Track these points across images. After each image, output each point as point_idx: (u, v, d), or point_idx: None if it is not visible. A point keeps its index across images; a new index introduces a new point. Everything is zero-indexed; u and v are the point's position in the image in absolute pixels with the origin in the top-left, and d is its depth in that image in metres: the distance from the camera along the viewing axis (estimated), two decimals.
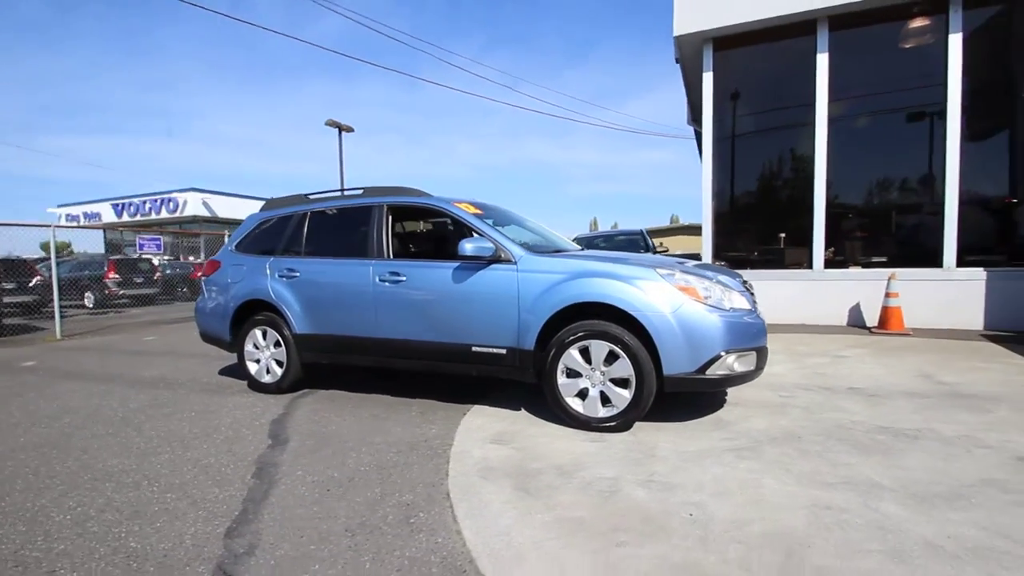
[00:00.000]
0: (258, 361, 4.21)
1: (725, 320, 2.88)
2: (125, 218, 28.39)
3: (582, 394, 3.10)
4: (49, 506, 2.35)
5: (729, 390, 3.77)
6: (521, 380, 3.31)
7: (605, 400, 3.04)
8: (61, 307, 11.31)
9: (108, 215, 28.99)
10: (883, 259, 6.63)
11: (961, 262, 6.08)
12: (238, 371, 5.05)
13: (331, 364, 4.04)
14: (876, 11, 6.33)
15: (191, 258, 22.52)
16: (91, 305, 13.68)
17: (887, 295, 6.04)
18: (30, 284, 11.07)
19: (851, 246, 6.86)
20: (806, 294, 6.70)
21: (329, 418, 3.51)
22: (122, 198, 28.94)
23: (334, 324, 3.83)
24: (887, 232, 6.70)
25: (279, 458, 2.84)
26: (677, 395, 3.42)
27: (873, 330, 6.16)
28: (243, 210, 28.77)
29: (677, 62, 10.58)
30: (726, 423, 3.15)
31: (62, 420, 3.67)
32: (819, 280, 6.65)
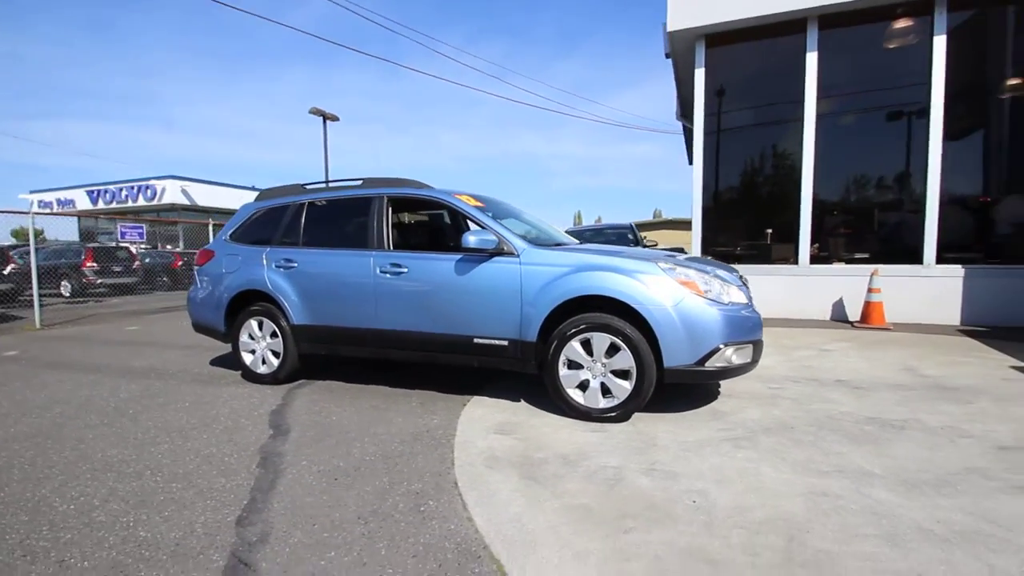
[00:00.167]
0: (253, 352, 4.18)
1: (724, 314, 2.96)
2: (100, 205, 27.61)
3: (583, 385, 3.15)
4: (51, 496, 2.33)
5: (722, 382, 3.86)
6: (523, 371, 3.35)
7: (605, 391, 3.10)
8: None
9: (83, 202, 28.17)
10: (865, 255, 6.82)
11: (940, 259, 6.28)
12: (230, 362, 5.01)
13: (326, 355, 4.03)
14: (864, 11, 6.46)
15: (168, 246, 22.10)
16: (68, 294, 13.33)
17: (869, 290, 6.22)
18: (4, 272, 10.73)
19: (835, 242, 7.04)
20: (791, 289, 6.86)
21: (329, 408, 3.51)
22: (97, 185, 28.13)
23: (333, 315, 3.82)
24: (870, 229, 6.88)
25: (282, 448, 2.84)
26: (673, 386, 3.49)
27: (856, 324, 6.34)
28: (224, 199, 28.25)
29: (667, 57, 10.64)
30: (722, 414, 3.24)
31: (53, 410, 3.60)
32: (804, 275, 6.82)
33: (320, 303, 3.87)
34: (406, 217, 4.70)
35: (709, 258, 4.13)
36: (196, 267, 4.53)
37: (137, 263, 14.65)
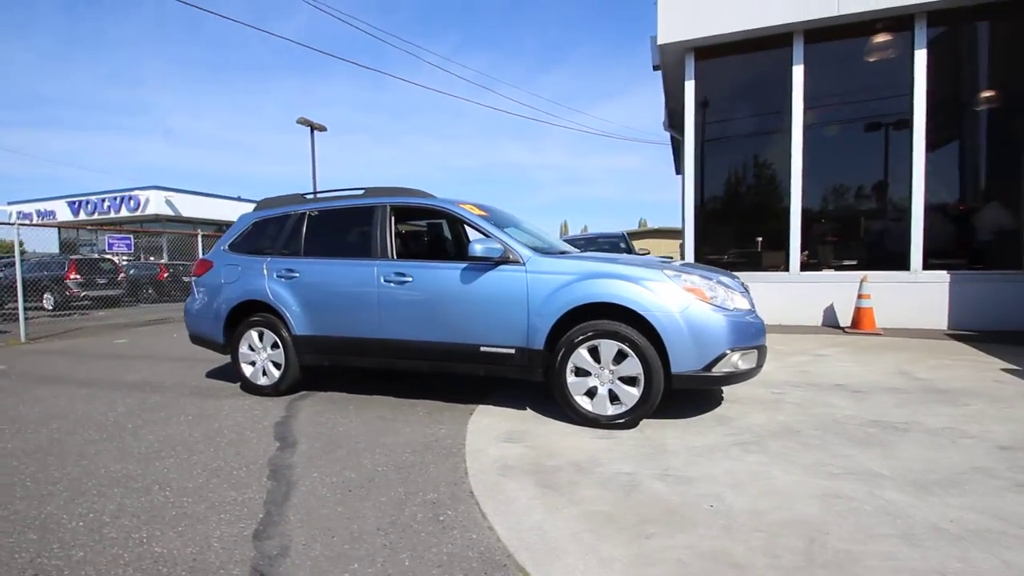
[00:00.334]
0: (253, 363, 4.13)
1: (729, 319, 3.00)
2: (82, 216, 27.08)
3: (590, 392, 3.17)
4: (58, 513, 2.27)
5: (725, 388, 3.91)
6: (529, 379, 3.36)
7: (613, 398, 3.12)
8: (15, 309, 10.77)
9: (63, 213, 27.60)
10: (854, 262, 6.96)
11: (927, 265, 6.44)
12: (227, 374, 4.95)
13: (323, 366, 4.00)
14: (847, 26, 6.65)
15: (151, 258, 21.73)
16: (50, 307, 13.03)
17: (859, 296, 6.35)
18: None
19: (824, 250, 7.18)
20: (783, 295, 6.97)
21: (335, 420, 3.48)
22: (79, 196, 27.61)
23: (337, 325, 3.80)
24: (858, 236, 7.04)
25: (291, 460, 2.81)
26: (677, 392, 3.52)
27: (847, 330, 6.46)
28: (209, 209, 27.92)
29: (655, 69, 10.83)
30: (728, 419, 3.28)
31: (50, 425, 3.52)
32: (795, 282, 6.93)
33: (323, 313, 3.84)
34: (408, 226, 4.71)
35: (708, 265, 4.19)
36: (193, 278, 4.47)
37: (122, 275, 14.40)
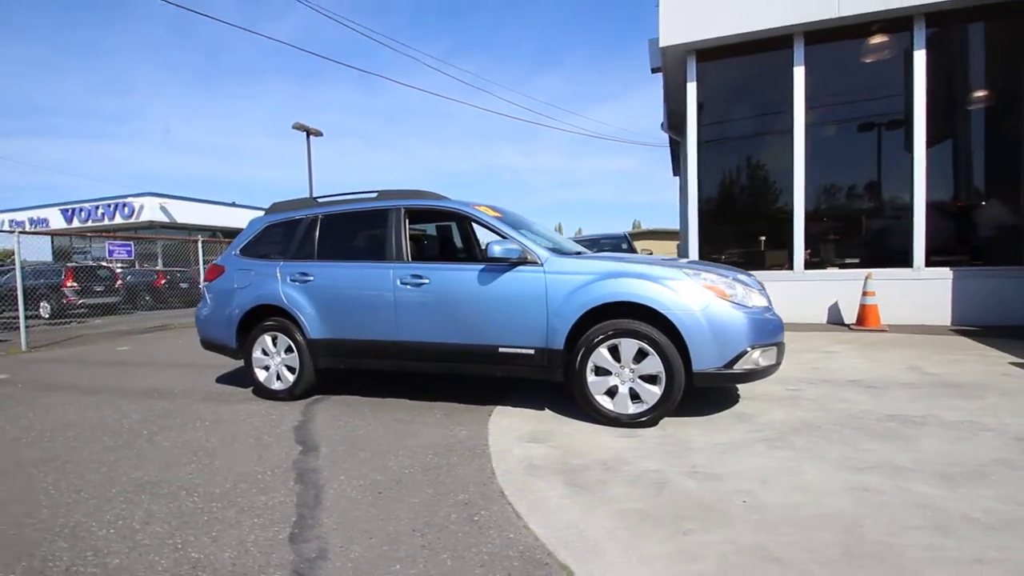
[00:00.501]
0: (267, 368, 4.11)
1: (749, 317, 3.02)
2: (75, 224, 26.82)
3: (611, 392, 3.18)
4: (86, 521, 2.25)
5: (741, 385, 3.93)
6: (549, 379, 3.36)
7: (634, 396, 3.13)
8: (13, 317, 10.65)
9: (56, 221, 27.34)
10: (856, 260, 7.02)
11: (929, 262, 6.50)
12: (237, 379, 4.92)
13: (335, 371, 3.99)
14: (847, 28, 6.73)
15: (145, 264, 21.54)
16: (47, 315, 12.89)
17: (864, 293, 6.40)
18: None
19: (826, 248, 7.24)
20: (787, 294, 7.00)
21: (353, 423, 3.47)
22: (72, 203, 27.35)
23: (353, 328, 3.79)
24: (861, 234, 7.10)
25: (316, 464, 2.79)
26: (694, 390, 3.53)
27: (852, 327, 6.51)
28: (204, 215, 27.75)
29: (654, 71, 10.92)
30: (748, 416, 3.29)
31: (65, 433, 3.49)
32: (800, 280, 6.98)
33: (339, 316, 3.83)
34: (422, 228, 4.70)
35: (722, 264, 4.22)
36: (205, 283, 4.45)
37: (119, 282, 14.28)
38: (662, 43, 7.22)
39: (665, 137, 12.73)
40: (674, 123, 11.06)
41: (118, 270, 16.42)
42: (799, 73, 6.93)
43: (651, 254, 9.79)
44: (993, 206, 6.56)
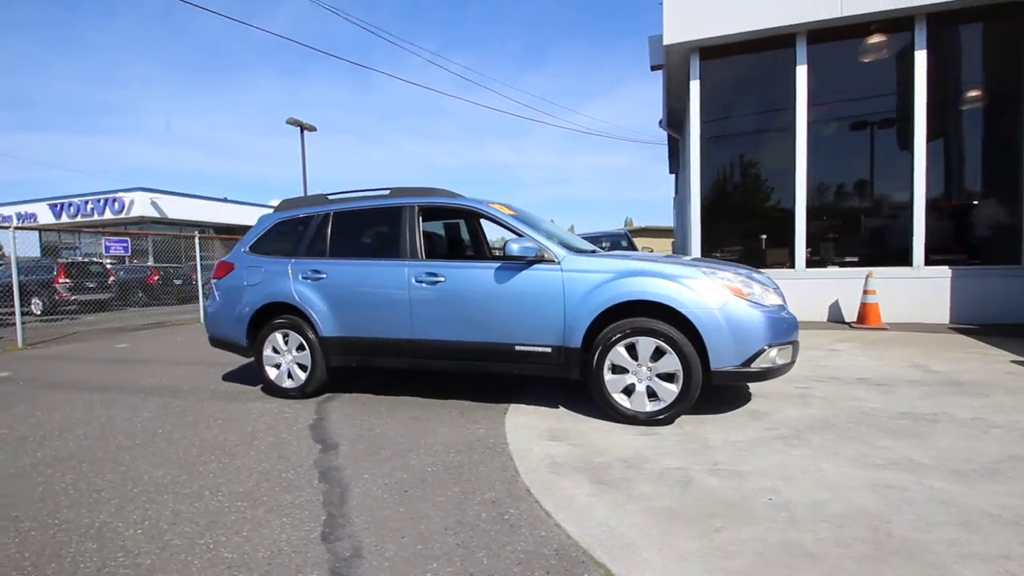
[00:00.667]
0: (278, 366, 4.09)
1: (766, 315, 3.06)
2: (64, 219, 26.43)
3: (628, 390, 3.20)
4: (112, 521, 2.24)
5: (750, 383, 3.96)
6: (566, 377, 3.38)
7: (651, 394, 3.15)
8: (6, 315, 10.48)
9: (45, 216, 26.92)
10: (855, 259, 7.10)
11: (928, 261, 6.59)
12: (244, 377, 4.89)
13: (343, 368, 3.97)
14: (849, 27, 6.78)
15: (135, 260, 21.26)
16: (38, 312, 12.72)
17: (865, 292, 6.48)
18: None
19: (826, 247, 7.31)
20: (789, 292, 7.00)
21: (369, 421, 3.46)
22: (61, 198, 26.94)
23: (367, 326, 3.78)
24: (861, 233, 7.18)
25: (337, 462, 2.79)
26: (705, 388, 3.57)
27: (853, 325, 6.59)
28: (196, 211, 27.45)
29: (653, 69, 10.93)
30: (761, 414, 3.33)
31: (75, 432, 3.45)
32: (801, 279, 7.05)
33: (352, 314, 3.82)
34: (436, 226, 4.69)
35: (734, 262, 4.24)
36: (214, 280, 4.41)
37: (112, 278, 14.11)
38: (666, 41, 7.24)
39: (659, 134, 12.78)
40: (673, 121, 11.10)
41: (109, 264, 16.22)
42: (801, 72, 6.98)
43: (651, 252, 9.83)
44: (991, 205, 6.66)
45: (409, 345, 3.68)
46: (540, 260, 3.36)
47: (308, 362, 3.96)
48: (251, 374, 4.91)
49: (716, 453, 2.73)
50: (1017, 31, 6.35)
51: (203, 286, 11.51)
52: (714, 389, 3.71)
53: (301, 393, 4.01)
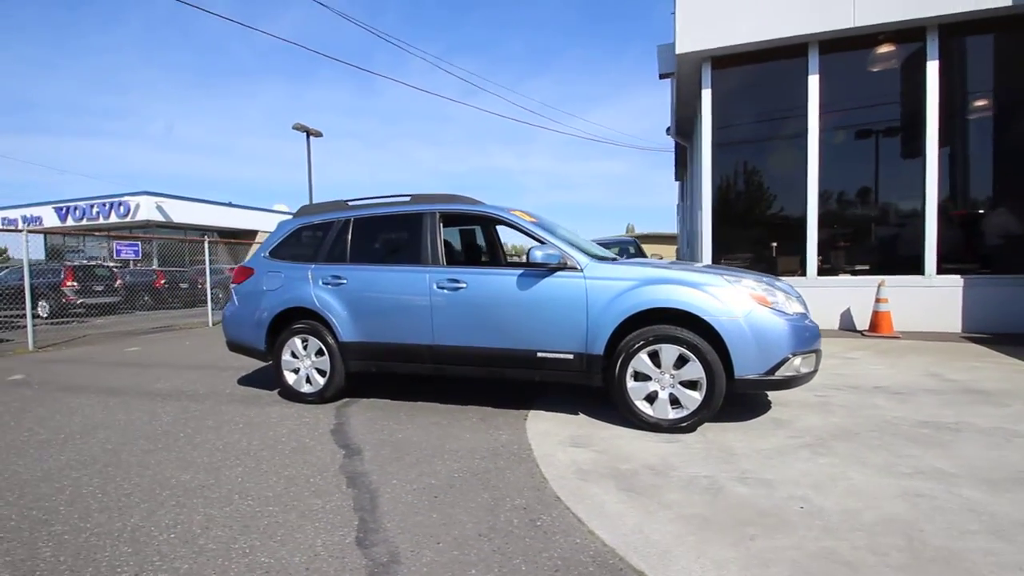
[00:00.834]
0: (296, 371, 4.10)
1: (790, 324, 3.07)
2: (70, 222, 26.54)
3: (650, 397, 3.21)
4: (144, 525, 2.24)
5: (770, 391, 3.95)
6: (587, 384, 3.38)
7: (674, 402, 3.16)
8: (14, 317, 10.50)
9: (50, 219, 27.02)
10: (866, 267, 7.11)
11: (940, 270, 6.60)
12: (259, 381, 4.91)
13: (360, 373, 3.98)
14: (861, 38, 6.83)
15: (139, 264, 21.32)
16: (45, 315, 12.74)
17: (877, 300, 6.48)
18: None
19: (837, 255, 7.32)
20: None
21: (390, 427, 3.47)
22: (66, 201, 27.04)
23: (387, 331, 3.79)
24: (873, 242, 7.19)
25: (363, 468, 2.80)
26: (726, 396, 3.57)
27: (865, 333, 6.59)
28: (201, 215, 27.54)
29: (662, 77, 10.99)
30: (784, 422, 3.33)
31: (96, 435, 3.46)
32: (812, 287, 7.04)
33: (373, 320, 3.83)
34: (452, 233, 4.72)
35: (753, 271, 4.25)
36: (233, 285, 4.43)
37: (119, 282, 14.14)
38: (678, 50, 7.29)
39: (662, 140, 12.86)
40: (682, 128, 11.15)
41: (116, 268, 16.27)
42: (813, 81, 7.02)
43: (661, 259, 9.85)
44: (1002, 214, 6.68)
45: (429, 351, 3.69)
46: (563, 267, 3.38)
47: (327, 367, 3.98)
48: (265, 378, 4.92)
49: (742, 461, 2.73)
50: None
51: (211, 290, 11.54)
52: (736, 397, 3.72)
53: (319, 398, 4.02)
